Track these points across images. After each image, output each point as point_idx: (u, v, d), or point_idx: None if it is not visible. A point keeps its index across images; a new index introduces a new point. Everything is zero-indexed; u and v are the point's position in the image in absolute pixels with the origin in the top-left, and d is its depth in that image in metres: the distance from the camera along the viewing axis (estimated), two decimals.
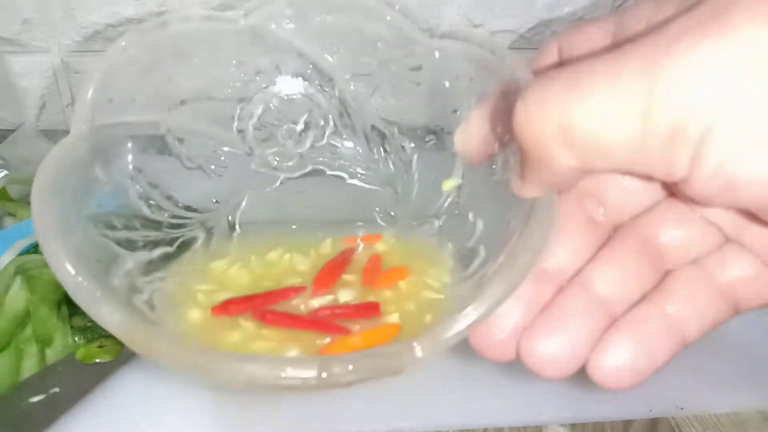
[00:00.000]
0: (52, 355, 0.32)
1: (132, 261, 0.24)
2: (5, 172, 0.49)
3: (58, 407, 0.29)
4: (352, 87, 0.29)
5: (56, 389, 0.30)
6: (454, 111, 0.27)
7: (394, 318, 0.24)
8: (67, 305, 0.34)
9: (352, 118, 0.29)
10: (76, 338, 0.33)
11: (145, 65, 0.26)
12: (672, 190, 0.22)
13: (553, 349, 0.20)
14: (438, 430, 0.29)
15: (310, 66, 0.28)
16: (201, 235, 0.28)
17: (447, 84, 0.27)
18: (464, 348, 0.34)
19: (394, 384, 0.31)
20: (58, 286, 0.34)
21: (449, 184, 0.28)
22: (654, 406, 0.30)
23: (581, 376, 0.32)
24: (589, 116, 0.16)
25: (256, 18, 0.27)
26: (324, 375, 0.17)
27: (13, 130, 0.59)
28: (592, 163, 0.17)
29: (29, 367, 0.31)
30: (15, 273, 0.35)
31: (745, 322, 0.29)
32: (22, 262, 0.35)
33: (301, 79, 0.29)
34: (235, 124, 0.29)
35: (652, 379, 0.20)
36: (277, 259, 0.27)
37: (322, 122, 0.30)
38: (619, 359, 0.20)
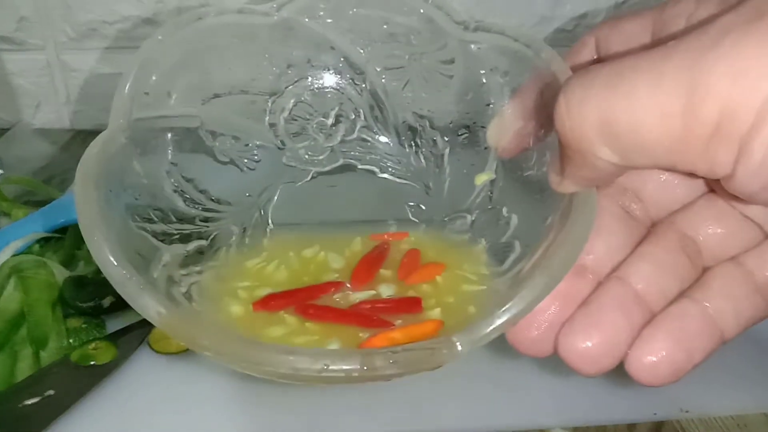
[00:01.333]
0: (47, 356, 0.32)
1: (169, 254, 0.24)
2: (0, 171, 0.48)
3: (54, 410, 0.29)
4: (383, 80, 0.29)
5: (51, 391, 0.29)
6: (488, 104, 0.27)
7: (436, 313, 0.24)
8: (61, 306, 0.34)
9: (383, 112, 0.29)
10: (71, 340, 0.33)
11: (180, 59, 0.26)
12: (711, 185, 0.22)
13: (591, 344, 0.20)
14: None
15: (342, 59, 0.29)
16: (235, 230, 0.28)
17: (481, 77, 0.27)
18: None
19: (395, 387, 0.31)
20: (52, 287, 0.34)
21: (482, 178, 0.28)
22: (658, 409, 0.30)
23: (583, 378, 0.32)
24: (631, 113, 0.16)
25: (288, 11, 0.27)
26: (366, 368, 0.18)
27: (8, 129, 0.59)
28: (634, 159, 0.17)
29: (24, 369, 0.31)
30: (9, 274, 0.35)
31: None
32: (17, 263, 0.35)
33: (332, 72, 0.29)
34: (267, 117, 0.29)
35: None
36: (313, 256, 0.28)
37: (353, 116, 0.30)
38: (657, 354, 0.20)
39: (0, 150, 0.53)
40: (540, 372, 0.32)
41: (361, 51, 0.28)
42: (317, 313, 0.24)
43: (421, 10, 0.27)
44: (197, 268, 0.25)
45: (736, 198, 0.19)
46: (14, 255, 0.36)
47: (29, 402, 0.29)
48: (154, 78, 0.25)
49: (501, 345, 0.22)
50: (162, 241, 0.24)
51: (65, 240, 0.39)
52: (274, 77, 0.28)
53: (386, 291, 0.26)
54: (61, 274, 0.35)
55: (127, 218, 0.23)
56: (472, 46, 0.26)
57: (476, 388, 0.31)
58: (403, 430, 0.29)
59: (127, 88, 0.24)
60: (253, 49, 0.28)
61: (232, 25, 0.26)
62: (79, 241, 0.40)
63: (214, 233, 0.27)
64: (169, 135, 0.26)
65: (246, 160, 0.29)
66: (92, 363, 0.31)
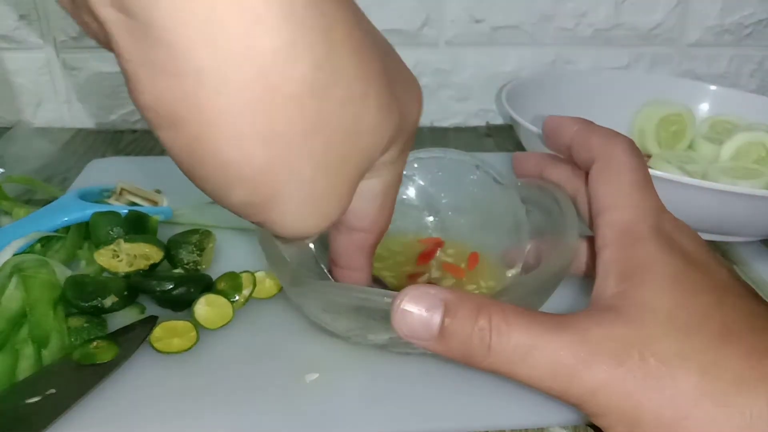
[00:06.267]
0: (49, 355, 0.32)
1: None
2: (1, 170, 0.48)
3: (55, 409, 0.28)
4: (450, 214, 0.39)
5: (52, 390, 0.29)
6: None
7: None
8: (63, 306, 0.34)
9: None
10: (72, 339, 0.32)
11: None
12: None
13: None
14: None
15: (426, 199, 0.39)
16: None
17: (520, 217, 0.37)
18: None
19: (394, 385, 0.31)
20: (54, 286, 0.34)
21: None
22: None
23: None
24: (536, 381, 0.24)
25: None
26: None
27: (8, 128, 0.59)
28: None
29: (25, 368, 0.31)
30: (11, 273, 0.34)
31: None
32: (19, 262, 0.35)
33: (417, 207, 0.40)
34: None
35: None
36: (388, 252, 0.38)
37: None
38: None
39: (0, 149, 0.53)
40: None
41: (441, 196, 0.39)
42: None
43: (475, 175, 0.38)
44: None
45: None
46: (16, 254, 0.36)
47: (30, 401, 0.29)
48: None
49: None
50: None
51: (67, 239, 0.39)
52: None
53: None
54: (62, 273, 0.35)
55: None
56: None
57: (476, 387, 0.31)
58: (403, 430, 0.29)
59: None
60: None
61: None
62: (80, 241, 0.40)
63: None
64: None
65: None
66: (93, 362, 0.31)
